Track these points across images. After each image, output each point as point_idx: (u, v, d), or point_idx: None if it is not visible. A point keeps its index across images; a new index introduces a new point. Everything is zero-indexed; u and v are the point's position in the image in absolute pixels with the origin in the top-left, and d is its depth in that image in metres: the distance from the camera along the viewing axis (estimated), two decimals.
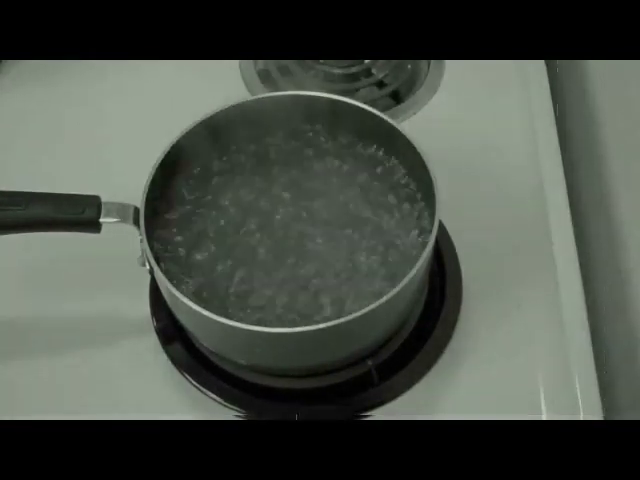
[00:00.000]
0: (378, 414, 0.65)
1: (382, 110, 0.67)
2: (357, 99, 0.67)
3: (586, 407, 0.64)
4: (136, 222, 0.62)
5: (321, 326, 0.56)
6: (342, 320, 0.56)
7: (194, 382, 0.66)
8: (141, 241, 0.61)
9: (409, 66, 0.89)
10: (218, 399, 0.65)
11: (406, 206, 0.66)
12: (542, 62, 0.88)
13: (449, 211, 0.67)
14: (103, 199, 0.62)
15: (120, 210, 0.62)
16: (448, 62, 0.89)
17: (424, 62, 0.90)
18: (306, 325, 0.57)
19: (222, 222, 0.66)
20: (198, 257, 0.64)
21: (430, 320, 0.69)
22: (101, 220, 0.62)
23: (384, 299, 0.57)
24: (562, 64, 0.94)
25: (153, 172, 0.63)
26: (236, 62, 0.90)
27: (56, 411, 0.64)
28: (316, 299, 0.62)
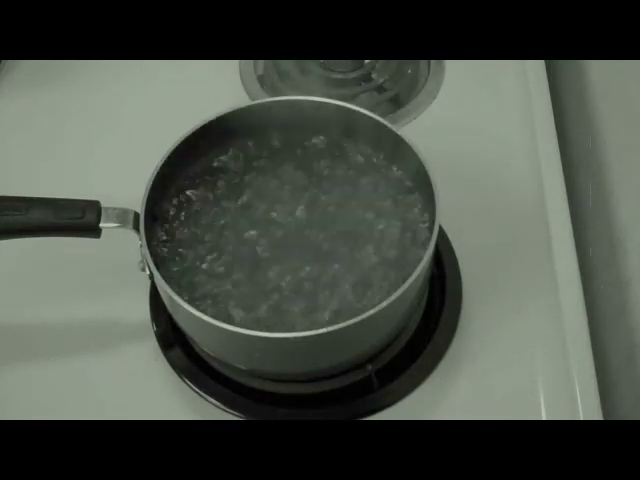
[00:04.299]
0: (378, 419, 0.65)
1: (382, 115, 0.67)
2: (357, 104, 0.67)
3: (586, 411, 0.64)
4: (136, 227, 0.62)
5: (320, 331, 0.56)
6: (341, 325, 0.56)
7: (194, 387, 0.66)
8: (141, 246, 0.61)
9: (409, 71, 0.89)
10: (218, 404, 0.66)
11: (406, 210, 0.66)
12: (542, 62, 0.88)
13: (449, 215, 0.67)
14: (103, 204, 0.62)
15: (120, 215, 0.62)
16: (448, 66, 0.89)
17: (424, 66, 0.90)
18: (305, 330, 0.57)
19: (223, 227, 0.66)
20: (198, 262, 0.64)
21: (430, 325, 0.69)
22: (101, 225, 0.62)
23: (384, 304, 0.57)
24: (562, 64, 0.94)
25: (153, 177, 0.63)
26: (236, 67, 0.90)
27: (55, 414, 0.65)
28: (316, 304, 0.61)
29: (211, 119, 0.67)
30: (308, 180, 0.68)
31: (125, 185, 0.64)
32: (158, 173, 0.64)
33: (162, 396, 0.67)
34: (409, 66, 0.89)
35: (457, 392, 0.66)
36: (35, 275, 0.74)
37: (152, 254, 0.61)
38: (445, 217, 0.63)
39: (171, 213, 0.66)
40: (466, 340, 0.68)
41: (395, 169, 0.68)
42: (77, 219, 0.62)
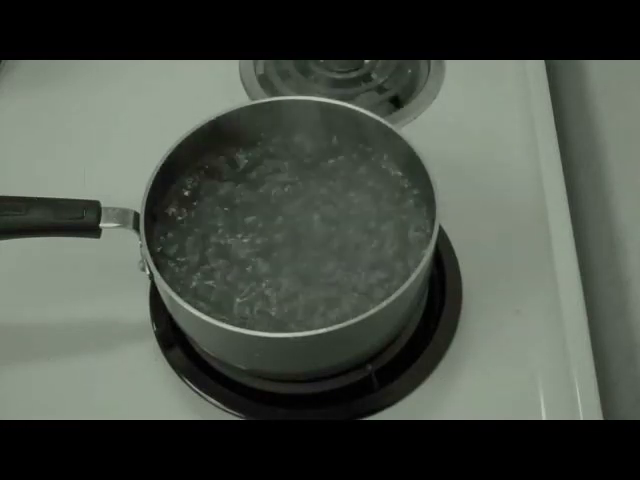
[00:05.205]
0: (378, 419, 0.65)
1: (382, 115, 0.67)
2: (357, 104, 0.67)
3: (586, 411, 0.64)
4: (136, 227, 0.62)
5: (320, 331, 0.56)
6: (341, 325, 0.56)
7: (194, 387, 0.66)
8: (141, 246, 0.61)
9: (409, 70, 0.89)
10: (218, 404, 0.66)
11: (405, 210, 0.66)
12: (542, 62, 0.88)
13: (449, 216, 0.67)
14: (103, 204, 0.62)
15: (120, 215, 0.62)
16: (448, 66, 0.89)
17: (424, 66, 0.90)
18: (305, 330, 0.57)
19: (222, 227, 0.66)
20: (198, 262, 0.64)
21: (430, 325, 0.69)
22: (101, 225, 0.62)
23: (384, 304, 0.57)
24: (562, 64, 0.94)
25: (153, 177, 0.63)
26: (236, 67, 0.90)
27: (55, 414, 0.65)
28: (316, 304, 0.61)
29: (211, 119, 0.67)
30: (308, 180, 0.68)
31: (125, 185, 0.64)
32: (158, 173, 0.64)
33: (162, 396, 0.67)
34: (409, 66, 0.89)
35: (457, 392, 0.66)
36: (35, 275, 0.74)
37: (152, 254, 0.61)
38: (445, 217, 0.63)
39: (172, 212, 0.66)
40: (466, 340, 0.68)
41: (395, 169, 0.68)
42: (77, 219, 0.62)
